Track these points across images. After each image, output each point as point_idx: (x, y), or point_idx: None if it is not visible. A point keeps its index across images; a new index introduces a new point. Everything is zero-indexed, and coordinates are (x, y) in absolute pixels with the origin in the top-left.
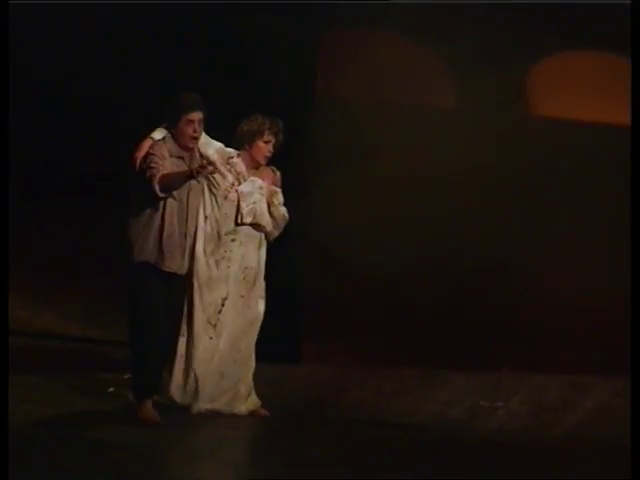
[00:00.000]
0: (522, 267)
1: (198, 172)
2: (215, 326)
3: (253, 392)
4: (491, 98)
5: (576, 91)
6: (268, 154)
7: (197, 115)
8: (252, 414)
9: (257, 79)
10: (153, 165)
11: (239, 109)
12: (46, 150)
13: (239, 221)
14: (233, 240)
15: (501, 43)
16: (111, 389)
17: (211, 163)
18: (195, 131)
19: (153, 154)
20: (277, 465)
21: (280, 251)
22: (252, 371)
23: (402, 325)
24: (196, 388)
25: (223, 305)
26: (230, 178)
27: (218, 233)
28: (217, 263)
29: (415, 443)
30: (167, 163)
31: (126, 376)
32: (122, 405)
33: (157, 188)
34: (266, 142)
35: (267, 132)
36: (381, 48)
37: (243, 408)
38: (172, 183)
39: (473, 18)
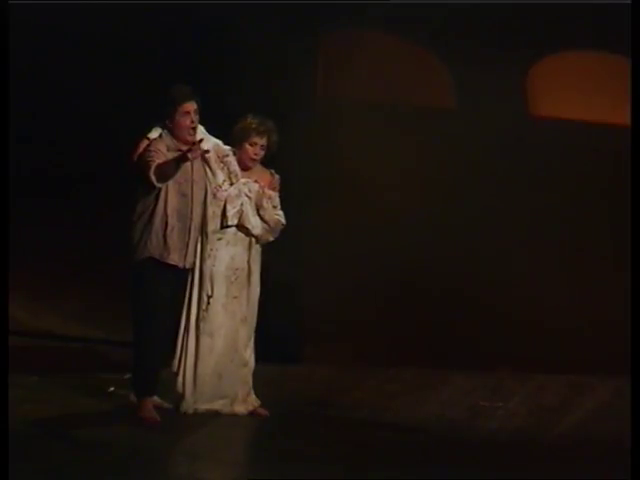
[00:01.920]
0: (523, 266)
1: (190, 151)
2: (199, 324)
3: (252, 392)
4: (491, 98)
5: (576, 91)
6: (254, 156)
7: (192, 105)
8: (252, 414)
9: (257, 79)
10: (149, 159)
11: (239, 109)
12: (46, 150)
13: (224, 223)
14: (220, 239)
15: (501, 43)
16: (111, 389)
17: (200, 141)
18: (192, 122)
19: (150, 150)
20: (277, 465)
21: (280, 252)
22: (251, 371)
23: (402, 325)
24: (187, 385)
25: (208, 303)
26: (221, 176)
27: (205, 231)
28: (203, 261)
29: (415, 443)
30: (165, 157)
31: (126, 376)
32: (122, 405)
33: (153, 178)
34: (252, 144)
35: (253, 134)
36: (381, 48)
37: (243, 408)
38: (167, 171)
39: (473, 18)
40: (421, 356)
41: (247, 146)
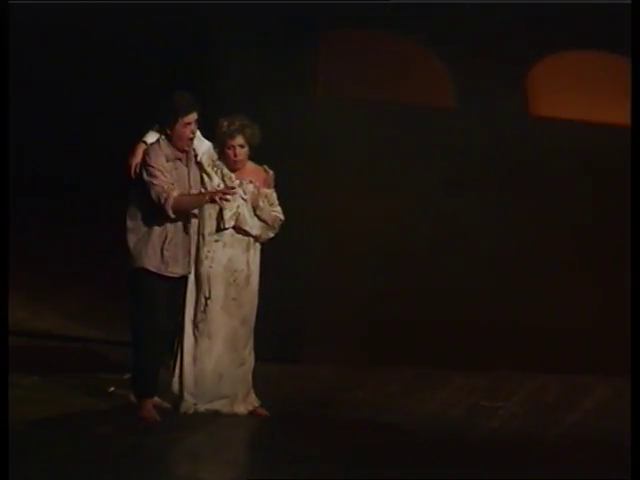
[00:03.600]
0: (523, 266)
1: (221, 198)
2: (198, 324)
3: (252, 392)
4: (491, 98)
5: (576, 91)
6: (235, 158)
7: (194, 116)
8: (251, 414)
9: (257, 79)
10: (157, 182)
11: (238, 109)
12: (46, 150)
13: (221, 226)
14: (217, 241)
15: (501, 43)
16: (111, 389)
17: (233, 188)
18: (193, 132)
19: (152, 166)
20: (277, 465)
21: (280, 251)
22: (251, 370)
23: (402, 325)
24: (186, 385)
25: (207, 305)
26: (216, 179)
27: (202, 233)
28: (200, 262)
29: (415, 443)
30: (169, 175)
31: (126, 376)
32: (122, 405)
33: (170, 212)
34: (229, 148)
35: (226, 137)
36: (381, 48)
37: (243, 408)
38: (187, 207)
39: (473, 18)
40: (421, 356)
41: (226, 150)
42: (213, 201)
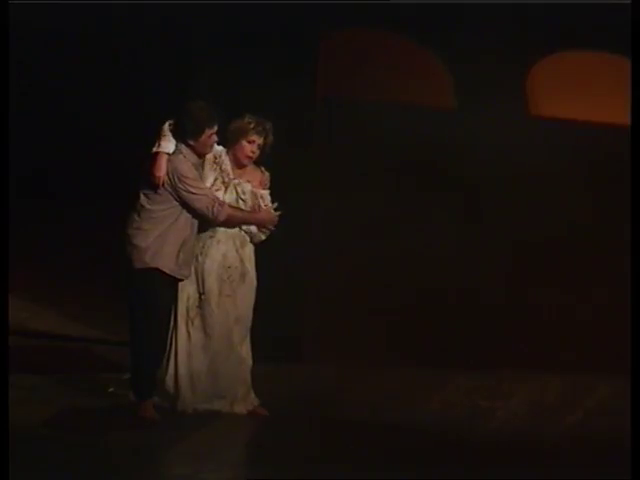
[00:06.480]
0: (523, 266)
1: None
2: (193, 320)
3: (252, 391)
4: (491, 98)
5: (576, 91)
6: (250, 154)
7: (216, 126)
8: (251, 413)
9: (257, 79)
10: (201, 192)
11: (239, 109)
12: (46, 150)
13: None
14: (211, 237)
15: (501, 43)
16: (111, 389)
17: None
18: (214, 140)
19: (188, 177)
20: (277, 465)
21: (280, 251)
22: (249, 369)
23: (402, 325)
24: (182, 384)
25: (201, 300)
26: (212, 177)
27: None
28: (195, 257)
29: (415, 443)
30: (202, 181)
31: (126, 376)
32: (122, 405)
33: (220, 220)
34: (250, 142)
35: (251, 132)
36: (381, 48)
37: (242, 408)
38: (236, 223)
39: (473, 18)
40: (421, 356)
41: (244, 143)
42: (260, 225)
